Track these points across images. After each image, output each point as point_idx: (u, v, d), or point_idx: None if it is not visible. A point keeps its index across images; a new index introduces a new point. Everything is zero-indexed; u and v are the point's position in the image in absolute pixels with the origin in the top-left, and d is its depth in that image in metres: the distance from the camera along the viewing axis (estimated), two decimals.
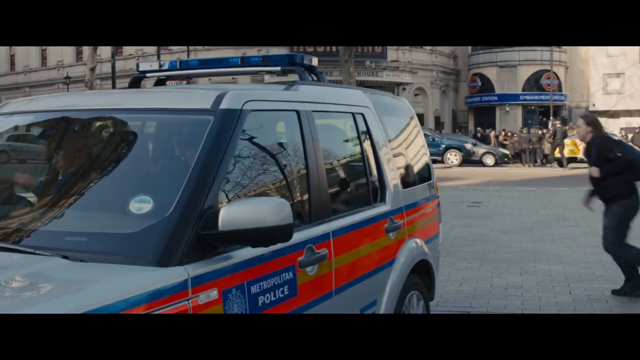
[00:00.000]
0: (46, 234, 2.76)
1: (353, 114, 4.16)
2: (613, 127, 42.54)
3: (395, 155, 4.57)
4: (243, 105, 3.09)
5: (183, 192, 2.71)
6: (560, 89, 49.31)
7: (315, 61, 4.15)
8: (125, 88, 4.47)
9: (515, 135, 36.03)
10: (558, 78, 48.70)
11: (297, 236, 3.11)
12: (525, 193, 17.46)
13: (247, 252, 2.82)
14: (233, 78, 29.09)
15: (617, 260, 7.03)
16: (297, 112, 3.52)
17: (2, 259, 2.57)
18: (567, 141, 29.51)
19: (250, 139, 3.20)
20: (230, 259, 2.75)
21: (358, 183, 4.19)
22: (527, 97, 49.51)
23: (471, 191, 18.65)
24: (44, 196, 3.18)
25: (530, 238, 10.56)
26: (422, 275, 4.62)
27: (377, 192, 4.22)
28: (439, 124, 47.81)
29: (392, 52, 43.83)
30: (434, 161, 31.99)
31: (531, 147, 32.37)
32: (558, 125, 32.84)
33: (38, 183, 3.38)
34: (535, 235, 10.84)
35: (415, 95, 46.57)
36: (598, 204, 7.23)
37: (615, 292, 6.89)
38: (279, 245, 2.88)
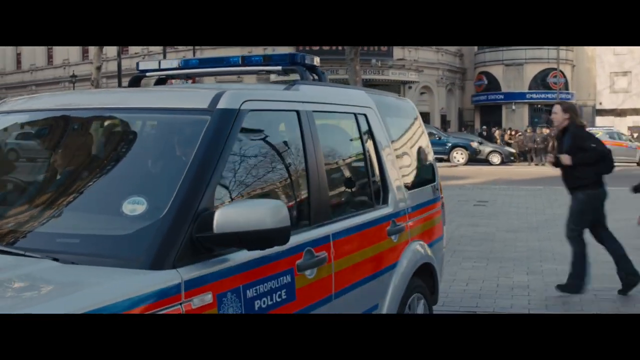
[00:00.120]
0: (38, 236, 2.70)
1: (355, 114, 4.09)
2: (620, 126, 42.49)
3: (398, 157, 4.50)
4: (241, 105, 3.04)
5: (178, 193, 2.65)
6: (566, 88, 49.14)
7: (317, 61, 4.09)
8: (124, 87, 4.45)
9: (519, 134, 35.96)
10: (565, 76, 48.53)
11: (296, 239, 3.06)
12: (531, 192, 17.39)
13: (243, 255, 2.76)
14: (239, 77, 29.15)
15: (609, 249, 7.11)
16: (297, 112, 3.46)
17: None
18: None
19: (248, 140, 3.15)
20: (226, 262, 2.69)
21: (360, 185, 4.13)
22: (534, 96, 49.35)
23: (477, 190, 18.61)
24: (36, 196, 3.11)
25: (537, 237, 10.53)
26: (425, 278, 4.55)
27: (379, 194, 4.15)
28: (445, 123, 47.74)
29: (398, 51, 43.75)
30: (440, 160, 31.89)
31: (535, 146, 32.32)
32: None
33: (31, 183, 3.30)
34: (541, 234, 10.80)
35: (422, 93, 46.51)
36: None
37: (560, 288, 6.94)
38: (277, 248, 2.82)
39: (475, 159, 32.42)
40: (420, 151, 5.18)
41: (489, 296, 6.95)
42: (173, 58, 4.49)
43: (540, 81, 49.53)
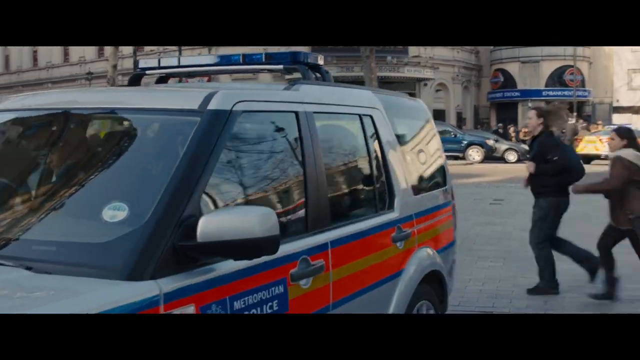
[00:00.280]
0: (14, 243, 2.55)
1: (360, 115, 3.93)
2: (638, 123, 42.05)
3: (406, 160, 4.34)
4: (233, 106, 2.89)
5: (161, 199, 2.49)
6: (583, 85, 48.82)
7: (320, 59, 3.95)
8: (119, 86, 4.37)
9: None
10: (581, 73, 48.22)
11: (291, 247, 2.95)
12: None
13: (231, 265, 2.60)
14: (254, 75, 29.17)
15: (565, 253, 7.26)
16: (296, 113, 3.31)
17: None
18: (592, 137, 29.23)
19: (241, 142, 3.01)
20: (212, 272, 2.54)
21: (363, 189, 3.97)
22: (550, 93, 49.01)
23: (493, 188, 18.50)
24: (14, 201, 2.96)
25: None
26: (433, 285, 4.37)
27: (384, 198, 3.99)
28: (460, 120, 47.56)
29: (414, 48, 43.58)
30: (456, 158, 31.64)
31: None
32: (571, 121, 32.62)
33: (9, 186, 3.12)
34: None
35: (437, 91, 46.37)
36: None
37: (530, 292, 7.00)
38: (268, 257, 2.66)
39: (491, 156, 32.25)
40: (430, 154, 5.03)
41: (505, 296, 6.90)
42: (188, 56, 4.39)
43: (557, 78, 49.23)
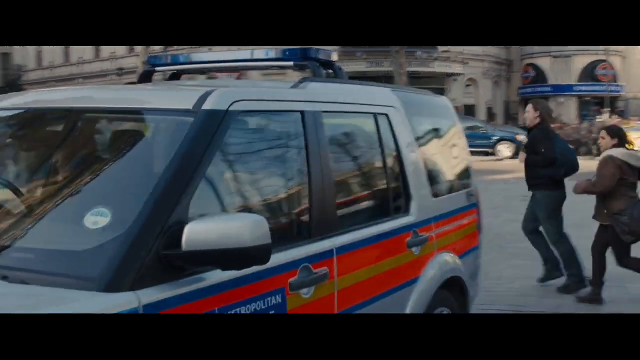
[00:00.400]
0: None
1: (375, 114, 3.74)
2: None
3: (426, 161, 4.12)
4: (230, 106, 2.72)
5: (145, 205, 2.33)
6: (615, 80, 48.14)
7: (334, 56, 3.79)
8: (115, 84, 4.30)
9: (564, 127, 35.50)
10: (614, 68, 47.54)
11: (290, 254, 2.79)
12: None
13: (223, 274, 2.42)
14: (283, 71, 29.10)
15: (535, 246, 7.46)
16: (302, 112, 3.12)
17: None
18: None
19: (239, 144, 2.85)
20: (201, 282, 2.37)
21: (376, 192, 3.76)
22: (582, 88, 48.44)
23: (523, 184, 18.25)
24: None
25: (586, 234, 10.27)
26: (454, 292, 4.16)
27: (400, 202, 3.80)
28: (491, 116, 47.18)
29: None
30: (485, 154, 31.30)
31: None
32: (599, 118, 32.33)
33: None
34: (591, 231, 10.54)
35: (467, 86, 46.04)
36: None
37: (560, 290, 7.03)
38: (264, 266, 2.48)
39: None
40: (453, 154, 4.81)
41: (536, 295, 6.86)
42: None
43: (589, 73, 48.62)
